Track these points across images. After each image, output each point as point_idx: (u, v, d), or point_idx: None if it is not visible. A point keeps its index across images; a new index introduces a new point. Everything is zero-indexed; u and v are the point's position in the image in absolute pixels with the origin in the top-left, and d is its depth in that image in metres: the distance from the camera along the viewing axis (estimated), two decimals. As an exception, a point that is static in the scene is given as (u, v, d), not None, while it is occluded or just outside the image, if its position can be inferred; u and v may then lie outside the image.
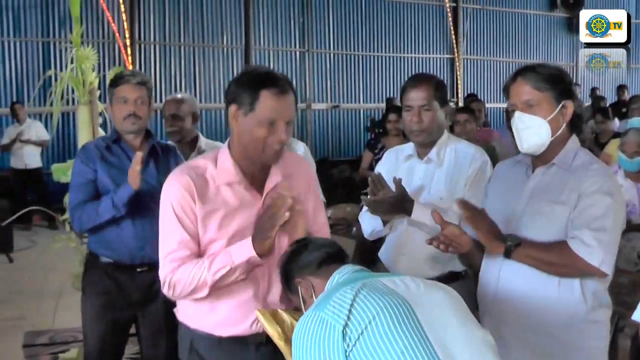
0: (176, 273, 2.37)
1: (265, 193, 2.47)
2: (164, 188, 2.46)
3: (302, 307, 2.24)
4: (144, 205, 3.33)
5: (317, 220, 2.64)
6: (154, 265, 3.26)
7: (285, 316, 2.36)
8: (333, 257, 2.23)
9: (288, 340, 2.26)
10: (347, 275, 2.13)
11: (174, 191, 2.40)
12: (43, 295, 6.35)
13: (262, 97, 2.32)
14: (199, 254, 2.42)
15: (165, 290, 2.43)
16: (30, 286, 7.29)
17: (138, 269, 3.45)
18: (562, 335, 2.50)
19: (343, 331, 1.85)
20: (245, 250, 2.31)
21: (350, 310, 1.87)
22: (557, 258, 2.44)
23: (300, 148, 4.41)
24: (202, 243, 2.42)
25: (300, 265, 2.24)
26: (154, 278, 3.35)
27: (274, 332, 2.31)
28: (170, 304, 2.67)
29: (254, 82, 2.36)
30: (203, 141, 4.36)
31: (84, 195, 3.42)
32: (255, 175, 2.48)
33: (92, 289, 3.52)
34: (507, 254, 2.50)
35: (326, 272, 2.18)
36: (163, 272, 2.41)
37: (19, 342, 5.64)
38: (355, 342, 1.84)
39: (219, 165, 2.46)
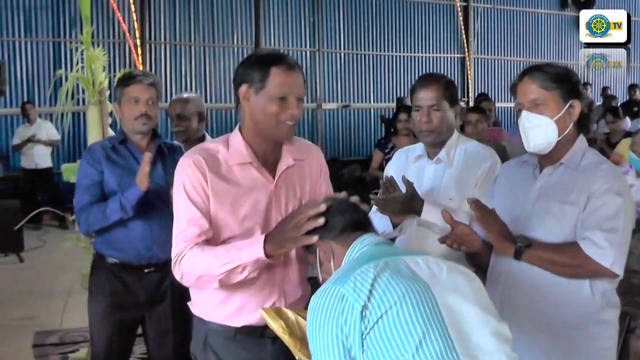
0: (186, 256, 2.36)
1: (278, 175, 2.48)
2: (176, 170, 2.46)
3: (318, 269, 2.23)
4: (151, 206, 3.34)
5: None
6: (161, 266, 3.30)
7: (290, 313, 2.36)
8: (356, 224, 2.20)
9: (292, 334, 2.27)
10: (368, 247, 2.10)
11: (185, 169, 2.41)
12: (53, 295, 6.40)
13: (272, 73, 2.35)
14: (211, 233, 2.40)
15: (174, 271, 2.42)
16: (40, 286, 7.34)
17: (145, 270, 3.44)
18: (570, 335, 2.50)
19: (362, 312, 1.83)
20: (255, 250, 2.29)
21: (370, 291, 1.85)
22: (568, 259, 2.43)
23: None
24: (215, 224, 2.41)
25: (322, 228, 2.20)
26: (162, 278, 3.40)
27: (277, 327, 2.30)
28: (179, 303, 2.65)
29: (263, 60, 2.39)
30: (209, 141, 4.34)
31: (90, 197, 3.41)
32: (267, 157, 2.49)
33: (98, 290, 3.52)
34: (517, 256, 2.49)
35: (347, 239, 2.15)
36: (174, 252, 2.41)
37: (28, 341, 5.65)
38: (374, 325, 1.82)
39: (230, 146, 2.47)
